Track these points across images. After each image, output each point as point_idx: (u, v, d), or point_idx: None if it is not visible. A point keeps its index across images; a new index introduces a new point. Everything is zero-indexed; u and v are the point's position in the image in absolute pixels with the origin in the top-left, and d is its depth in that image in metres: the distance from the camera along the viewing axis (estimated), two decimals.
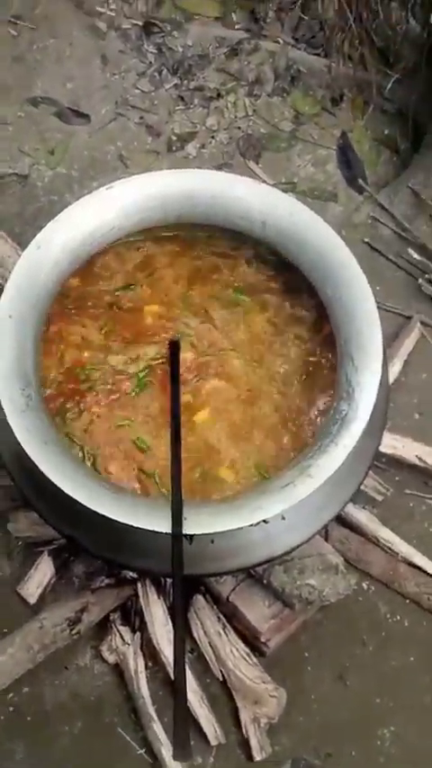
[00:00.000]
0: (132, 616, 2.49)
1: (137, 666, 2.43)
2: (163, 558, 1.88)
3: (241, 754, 2.41)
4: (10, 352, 2.00)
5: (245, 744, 2.40)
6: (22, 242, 2.86)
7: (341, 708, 2.49)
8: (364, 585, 2.61)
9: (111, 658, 2.48)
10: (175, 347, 2.18)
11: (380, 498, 2.63)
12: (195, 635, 2.45)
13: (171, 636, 2.24)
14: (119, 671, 2.48)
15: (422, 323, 2.96)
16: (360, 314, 2.05)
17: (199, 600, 2.46)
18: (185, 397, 2.14)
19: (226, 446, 2.12)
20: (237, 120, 3.33)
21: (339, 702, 2.49)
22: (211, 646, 2.44)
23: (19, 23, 3.42)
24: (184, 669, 1.84)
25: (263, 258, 2.31)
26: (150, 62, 3.40)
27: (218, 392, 2.16)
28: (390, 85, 3.30)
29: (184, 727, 1.80)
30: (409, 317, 2.97)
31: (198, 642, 2.46)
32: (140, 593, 2.46)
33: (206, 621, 2.44)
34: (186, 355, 2.18)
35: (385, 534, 2.60)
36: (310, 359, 2.21)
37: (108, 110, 3.32)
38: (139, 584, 2.46)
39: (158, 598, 2.45)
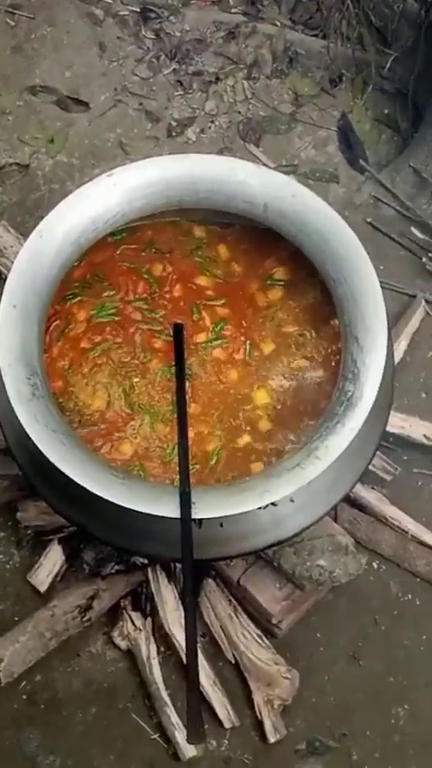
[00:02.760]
0: (143, 602, 2.50)
1: (149, 652, 2.44)
2: (172, 544, 1.89)
3: (255, 736, 2.42)
4: (15, 341, 2.00)
5: (259, 726, 2.41)
6: (23, 231, 2.86)
7: (355, 688, 2.49)
8: (375, 565, 2.62)
9: (123, 644, 2.48)
10: (178, 330, 2.18)
11: (388, 478, 2.63)
12: (207, 619, 2.46)
13: (182, 620, 2.23)
14: (131, 657, 2.49)
15: (427, 301, 2.96)
16: (364, 294, 2.05)
17: (209, 584, 2.47)
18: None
19: None
20: (236, 103, 3.32)
21: (353, 682, 2.50)
22: (222, 629, 2.45)
23: (17, 13, 3.42)
24: (196, 653, 1.85)
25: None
26: (148, 48, 3.40)
27: None
28: (388, 65, 3.28)
29: (197, 710, 1.81)
30: (413, 296, 2.97)
31: (210, 626, 2.46)
32: (151, 579, 2.47)
33: (217, 605, 2.45)
34: None
35: (394, 513, 2.61)
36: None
37: (107, 97, 3.32)
38: (149, 570, 2.47)
39: (169, 583, 2.45)
